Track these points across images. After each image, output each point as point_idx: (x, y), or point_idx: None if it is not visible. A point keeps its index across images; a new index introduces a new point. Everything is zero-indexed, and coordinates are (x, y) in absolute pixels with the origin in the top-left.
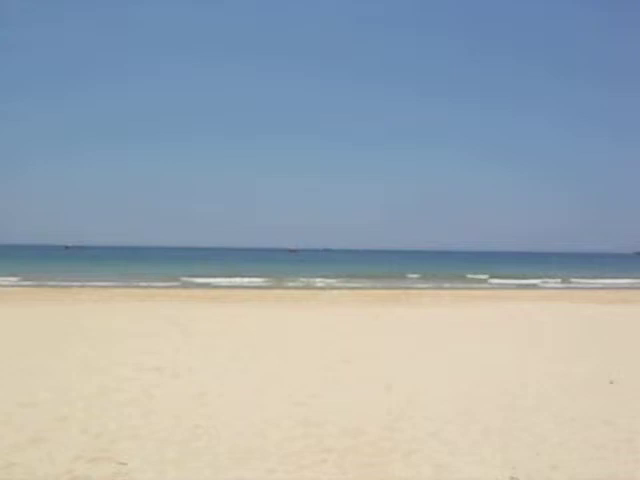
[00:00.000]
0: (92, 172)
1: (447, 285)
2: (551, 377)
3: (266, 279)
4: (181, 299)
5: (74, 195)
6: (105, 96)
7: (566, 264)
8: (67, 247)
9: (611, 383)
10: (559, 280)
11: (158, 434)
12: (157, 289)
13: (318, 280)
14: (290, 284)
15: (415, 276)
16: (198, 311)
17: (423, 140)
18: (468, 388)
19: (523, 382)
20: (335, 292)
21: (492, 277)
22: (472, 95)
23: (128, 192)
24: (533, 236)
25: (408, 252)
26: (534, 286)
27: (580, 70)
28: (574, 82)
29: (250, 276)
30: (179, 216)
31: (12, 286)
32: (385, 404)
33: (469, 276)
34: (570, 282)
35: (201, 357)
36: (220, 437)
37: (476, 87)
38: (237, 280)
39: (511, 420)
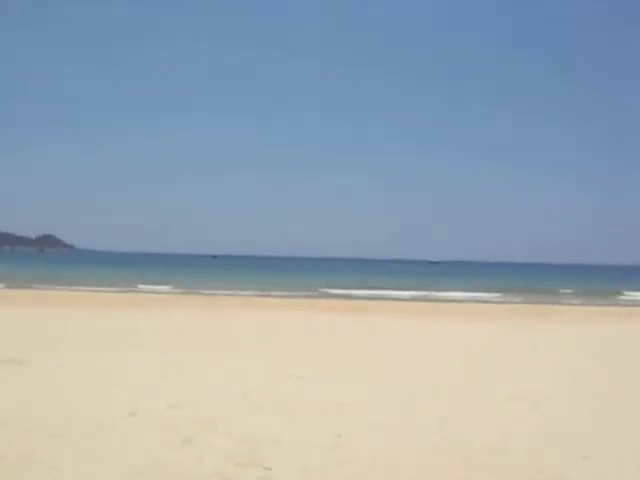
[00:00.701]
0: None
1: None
2: None
3: (406, 291)
4: (320, 309)
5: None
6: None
7: None
8: (214, 257)
9: None
10: None
11: (301, 441)
12: (293, 298)
13: (459, 293)
14: (434, 295)
15: (568, 291)
16: (338, 321)
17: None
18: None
19: None
20: (483, 305)
21: None
22: None
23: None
24: None
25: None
26: None
27: None
28: None
29: (390, 288)
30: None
31: (165, 293)
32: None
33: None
34: None
35: (344, 367)
36: (362, 448)
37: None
38: (378, 292)
39: None
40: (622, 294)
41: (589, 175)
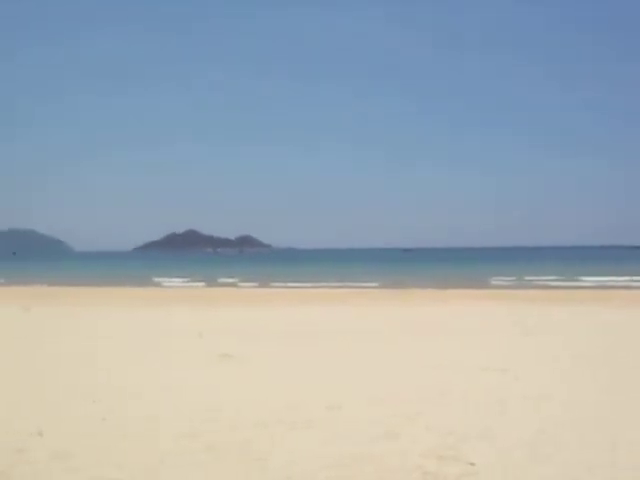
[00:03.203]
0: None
1: None
2: None
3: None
4: (521, 300)
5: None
6: None
7: None
8: (406, 250)
9: None
10: None
11: (505, 436)
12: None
13: None
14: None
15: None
16: (537, 311)
17: None
18: None
19: None
20: None
21: None
22: None
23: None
24: None
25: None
26: None
27: None
28: None
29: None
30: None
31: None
32: None
33: None
34: None
35: (543, 359)
36: (569, 443)
37: None
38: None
39: None
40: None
41: None
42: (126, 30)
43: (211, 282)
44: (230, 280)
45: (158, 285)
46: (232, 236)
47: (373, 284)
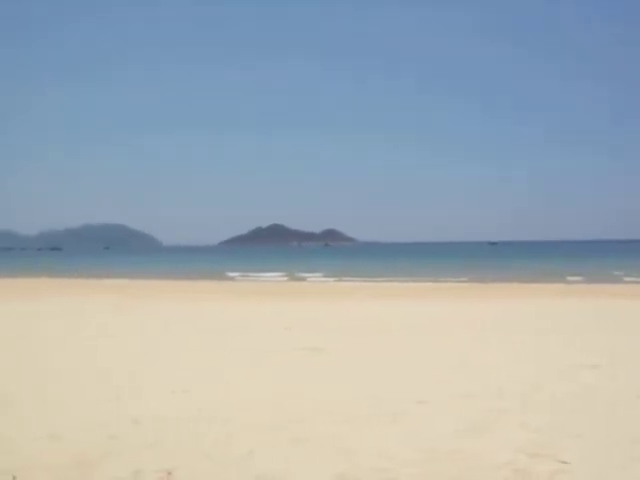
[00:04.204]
0: None
1: None
2: None
3: None
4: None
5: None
6: None
7: None
8: (492, 243)
9: None
10: None
11: (601, 435)
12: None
13: None
14: None
15: None
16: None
17: None
18: None
19: None
20: None
21: None
22: None
23: None
24: None
25: None
26: None
27: None
28: None
29: None
30: None
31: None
32: None
33: None
34: None
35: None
36: None
37: None
38: None
39: None
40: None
41: None
42: None
43: (294, 276)
44: (313, 274)
45: (238, 279)
46: (317, 230)
47: (462, 278)
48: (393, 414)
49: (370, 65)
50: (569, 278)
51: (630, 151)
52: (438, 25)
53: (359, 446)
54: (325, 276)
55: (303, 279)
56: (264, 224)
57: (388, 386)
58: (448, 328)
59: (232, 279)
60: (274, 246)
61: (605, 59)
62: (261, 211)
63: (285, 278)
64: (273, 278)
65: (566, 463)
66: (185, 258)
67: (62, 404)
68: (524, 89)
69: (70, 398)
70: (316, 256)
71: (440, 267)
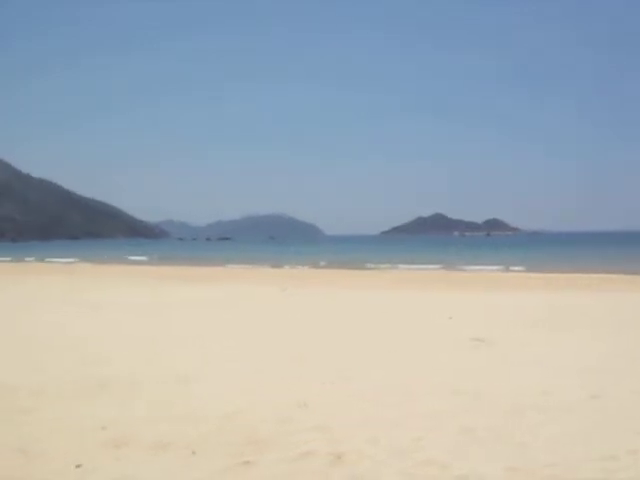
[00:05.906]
0: None
1: None
2: None
3: None
4: None
5: None
6: None
7: None
8: None
9: None
10: None
11: None
12: None
13: None
14: None
15: None
16: None
17: None
18: None
19: None
20: None
21: None
22: None
23: None
24: None
25: None
26: None
27: None
28: None
29: None
30: None
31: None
32: None
33: None
34: None
35: None
36: None
37: None
38: None
39: None
40: None
41: None
42: None
43: (452, 265)
44: (471, 264)
45: (399, 267)
46: (480, 220)
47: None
48: (564, 408)
49: None
50: None
51: None
52: None
53: (529, 439)
54: (484, 264)
55: (462, 269)
56: (425, 214)
57: (557, 378)
58: (621, 321)
59: (396, 268)
60: (436, 236)
61: None
62: (422, 201)
63: (441, 267)
64: (430, 269)
65: None
66: (346, 248)
67: (241, 384)
68: None
69: (248, 382)
70: (478, 245)
71: (599, 257)
